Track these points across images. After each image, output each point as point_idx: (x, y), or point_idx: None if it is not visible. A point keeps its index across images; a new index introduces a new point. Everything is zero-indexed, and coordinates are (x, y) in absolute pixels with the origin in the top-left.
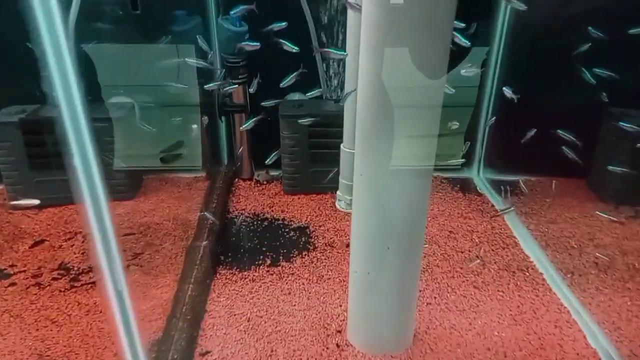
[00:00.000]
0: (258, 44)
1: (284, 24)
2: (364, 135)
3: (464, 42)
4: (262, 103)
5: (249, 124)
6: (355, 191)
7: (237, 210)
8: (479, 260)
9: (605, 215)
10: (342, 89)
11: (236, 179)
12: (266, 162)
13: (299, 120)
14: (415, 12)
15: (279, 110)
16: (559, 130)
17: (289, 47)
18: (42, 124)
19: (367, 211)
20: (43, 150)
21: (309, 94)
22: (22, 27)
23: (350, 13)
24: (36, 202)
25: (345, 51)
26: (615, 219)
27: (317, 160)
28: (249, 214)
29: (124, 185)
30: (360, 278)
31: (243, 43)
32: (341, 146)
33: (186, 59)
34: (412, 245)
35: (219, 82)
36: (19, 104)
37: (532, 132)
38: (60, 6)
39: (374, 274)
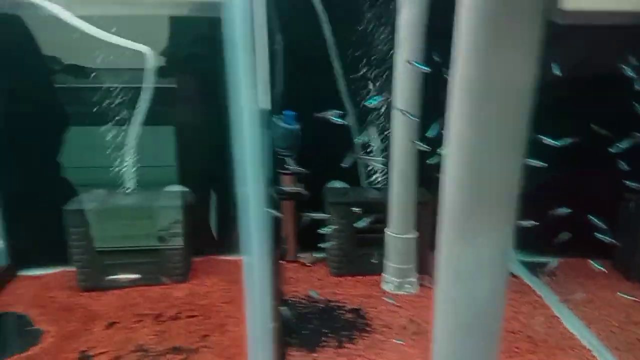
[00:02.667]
0: (345, 122)
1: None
2: (456, 226)
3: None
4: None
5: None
6: (441, 279)
7: (289, 292)
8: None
9: (627, 297)
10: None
11: (281, 261)
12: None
13: (355, 224)
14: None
15: (326, 198)
16: (589, 216)
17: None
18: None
19: (454, 303)
20: None
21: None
22: None
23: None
24: (137, 275)
25: None
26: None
27: (363, 244)
28: (303, 296)
29: (180, 267)
30: None
31: (329, 113)
32: (385, 230)
33: None
34: (490, 335)
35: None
36: None
37: (566, 211)
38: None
39: None
